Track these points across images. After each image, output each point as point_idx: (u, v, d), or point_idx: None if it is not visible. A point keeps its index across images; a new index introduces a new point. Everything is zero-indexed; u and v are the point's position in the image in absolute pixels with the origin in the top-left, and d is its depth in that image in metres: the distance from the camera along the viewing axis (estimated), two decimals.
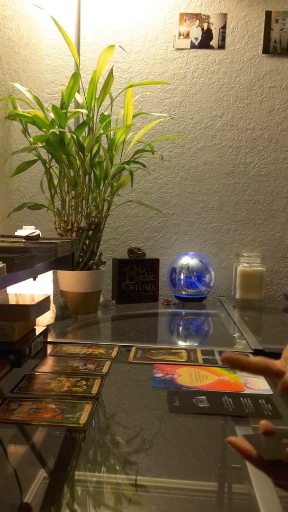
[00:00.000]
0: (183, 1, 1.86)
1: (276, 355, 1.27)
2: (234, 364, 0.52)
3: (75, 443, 0.70)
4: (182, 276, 1.80)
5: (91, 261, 1.55)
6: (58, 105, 1.49)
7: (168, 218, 1.96)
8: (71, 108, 1.66)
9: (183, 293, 1.81)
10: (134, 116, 1.59)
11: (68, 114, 1.45)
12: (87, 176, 1.52)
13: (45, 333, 1.12)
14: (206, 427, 0.75)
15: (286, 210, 1.96)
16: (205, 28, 1.87)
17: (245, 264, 1.82)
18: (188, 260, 1.82)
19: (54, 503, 0.55)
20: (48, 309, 1.10)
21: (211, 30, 1.87)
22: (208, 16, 1.86)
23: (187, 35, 1.87)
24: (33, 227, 1.28)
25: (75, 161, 1.48)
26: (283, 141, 1.93)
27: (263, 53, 1.89)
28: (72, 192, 1.53)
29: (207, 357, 1.08)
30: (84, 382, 0.89)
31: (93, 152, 1.51)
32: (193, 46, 1.88)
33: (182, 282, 1.81)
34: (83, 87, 1.76)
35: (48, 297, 1.09)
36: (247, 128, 1.93)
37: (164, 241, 1.97)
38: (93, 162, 1.53)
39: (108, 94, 1.49)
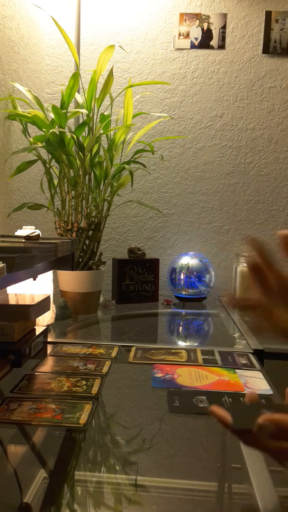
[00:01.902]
0: (183, 1, 1.86)
1: (276, 355, 1.27)
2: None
3: (75, 443, 0.70)
4: (182, 276, 1.80)
5: (91, 261, 1.55)
6: (58, 105, 1.49)
7: (168, 218, 1.96)
8: (71, 108, 1.66)
9: (183, 293, 1.81)
10: (134, 116, 1.59)
11: (68, 114, 1.45)
12: (87, 176, 1.52)
13: (45, 333, 1.12)
14: (206, 427, 0.75)
15: (286, 210, 1.96)
16: (205, 28, 1.87)
17: (245, 264, 1.82)
18: (188, 260, 1.82)
19: (54, 503, 0.55)
20: (48, 309, 1.10)
21: (211, 30, 1.87)
22: (208, 16, 1.86)
23: (187, 35, 1.87)
24: (33, 227, 1.28)
25: (75, 161, 1.48)
26: (283, 141, 1.93)
27: (263, 53, 1.89)
28: (72, 192, 1.53)
29: (207, 357, 1.08)
30: (84, 382, 0.89)
31: (93, 152, 1.51)
32: (193, 46, 1.88)
33: (182, 282, 1.81)
34: (83, 87, 1.76)
35: (48, 297, 1.09)
36: (247, 128, 1.93)
37: (164, 241, 1.97)
38: (93, 162, 1.53)
39: (108, 94, 1.49)
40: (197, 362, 1.04)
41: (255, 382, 0.92)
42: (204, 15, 1.86)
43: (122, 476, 0.61)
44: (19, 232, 1.24)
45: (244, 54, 1.90)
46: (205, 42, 1.88)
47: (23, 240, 0.96)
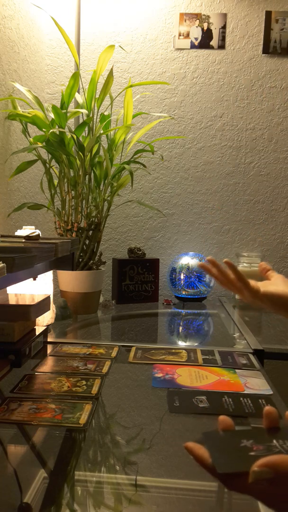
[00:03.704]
0: (183, 1, 1.86)
1: (276, 355, 1.27)
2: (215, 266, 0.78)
3: (75, 443, 0.70)
4: (182, 276, 1.80)
5: (91, 261, 1.55)
6: (58, 105, 1.49)
7: (168, 218, 1.96)
8: (71, 108, 1.66)
9: (183, 293, 1.81)
10: (134, 116, 1.59)
11: (68, 114, 1.45)
12: (87, 176, 1.52)
13: (45, 333, 1.12)
14: (206, 427, 0.75)
15: (286, 210, 1.96)
16: (205, 28, 1.87)
17: (245, 264, 1.82)
18: (188, 260, 1.82)
19: (54, 503, 0.55)
20: (48, 309, 1.10)
21: (211, 30, 1.87)
22: (208, 16, 1.86)
23: (187, 35, 1.87)
24: (33, 227, 1.28)
25: (75, 161, 1.48)
26: (283, 141, 1.93)
27: (263, 53, 1.89)
28: (72, 192, 1.53)
29: (207, 357, 1.08)
30: (84, 382, 0.89)
31: (93, 152, 1.51)
32: (193, 46, 1.88)
33: (182, 282, 1.81)
34: (83, 87, 1.76)
35: (48, 297, 1.09)
36: (247, 128, 1.93)
37: (164, 241, 1.97)
38: (93, 162, 1.53)
39: (108, 94, 1.49)
40: (197, 362, 1.04)
41: (255, 382, 0.92)
42: (204, 15, 1.86)
43: (122, 476, 0.61)
44: (19, 232, 1.24)
45: (244, 54, 1.90)
46: (205, 42, 1.88)
47: (23, 240, 0.96)
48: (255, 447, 0.42)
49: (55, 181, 1.55)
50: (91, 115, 1.48)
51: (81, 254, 1.54)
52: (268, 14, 1.86)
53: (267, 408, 0.47)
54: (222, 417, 0.47)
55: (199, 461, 0.42)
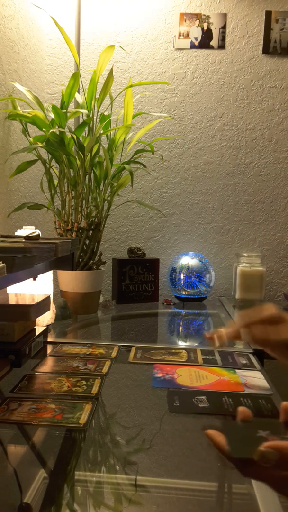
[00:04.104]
0: (183, 1, 1.86)
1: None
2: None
3: (75, 443, 0.70)
4: (182, 276, 1.80)
5: (91, 261, 1.55)
6: (58, 105, 1.49)
7: (168, 218, 1.96)
8: (71, 108, 1.66)
9: (183, 293, 1.81)
10: (134, 116, 1.59)
11: (68, 114, 1.45)
12: (87, 176, 1.52)
13: (45, 333, 1.12)
14: (206, 427, 0.75)
15: (286, 210, 1.96)
16: (205, 28, 1.87)
17: (245, 264, 1.82)
18: (188, 260, 1.82)
19: (54, 503, 0.55)
20: (48, 309, 1.10)
21: (211, 30, 1.87)
22: (208, 16, 1.86)
23: (187, 35, 1.87)
24: (33, 227, 1.28)
25: (75, 161, 1.48)
26: (283, 141, 1.93)
27: (263, 53, 1.89)
28: (72, 192, 1.53)
29: (207, 357, 1.08)
30: (84, 382, 0.89)
31: (93, 152, 1.51)
32: (193, 46, 1.88)
33: (182, 282, 1.81)
34: (83, 87, 1.76)
35: (48, 297, 1.09)
36: (247, 128, 1.93)
37: (164, 241, 1.97)
38: (93, 162, 1.53)
39: (108, 94, 1.49)
40: (197, 362, 1.04)
41: (255, 382, 0.92)
42: (204, 15, 1.86)
43: (122, 476, 0.61)
44: (19, 232, 1.24)
45: (244, 54, 1.90)
46: (205, 42, 1.88)
47: (23, 240, 0.96)
48: (271, 438, 0.45)
49: (55, 181, 1.55)
50: (91, 115, 1.48)
51: (81, 254, 1.54)
52: (268, 14, 1.86)
53: (285, 403, 0.50)
54: (241, 408, 0.50)
55: (217, 447, 0.46)
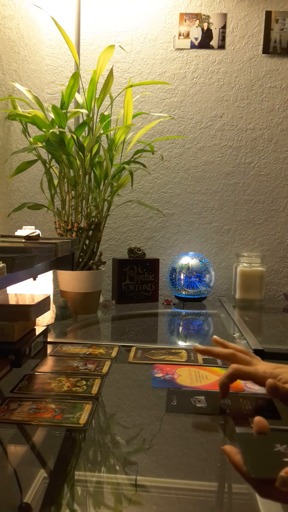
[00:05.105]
0: (183, 1, 1.86)
1: (276, 355, 1.27)
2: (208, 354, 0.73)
3: (75, 443, 0.70)
4: (182, 276, 1.80)
5: (91, 261, 1.55)
6: (58, 105, 1.49)
7: (168, 218, 1.96)
8: (71, 108, 1.66)
9: (183, 293, 1.81)
10: (134, 116, 1.59)
11: (68, 114, 1.45)
12: (87, 176, 1.52)
13: (45, 333, 1.12)
14: (206, 427, 0.75)
15: (286, 210, 1.96)
16: (205, 28, 1.87)
17: (245, 264, 1.82)
18: (188, 260, 1.82)
19: (54, 503, 0.55)
20: (48, 309, 1.10)
21: (211, 30, 1.87)
22: (208, 16, 1.86)
23: (187, 35, 1.87)
24: (33, 227, 1.28)
25: (75, 161, 1.48)
26: (283, 141, 1.93)
27: (263, 53, 1.89)
28: (72, 192, 1.53)
29: (207, 357, 1.08)
30: (84, 382, 0.89)
31: (93, 152, 1.51)
32: (193, 46, 1.88)
33: (182, 282, 1.81)
34: (83, 87, 1.76)
35: (48, 297, 1.09)
36: (247, 128, 1.93)
37: (164, 241, 1.97)
38: (93, 162, 1.53)
39: (108, 94, 1.49)
40: (197, 362, 1.04)
41: None
42: (204, 15, 1.86)
43: (122, 476, 0.61)
44: (19, 232, 1.24)
45: (244, 54, 1.90)
46: (205, 42, 1.88)
47: (23, 240, 0.96)
48: None
49: (55, 181, 1.55)
50: (91, 115, 1.48)
51: (81, 254, 1.54)
52: (268, 14, 1.86)
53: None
54: (257, 419, 0.48)
55: (235, 466, 0.44)
